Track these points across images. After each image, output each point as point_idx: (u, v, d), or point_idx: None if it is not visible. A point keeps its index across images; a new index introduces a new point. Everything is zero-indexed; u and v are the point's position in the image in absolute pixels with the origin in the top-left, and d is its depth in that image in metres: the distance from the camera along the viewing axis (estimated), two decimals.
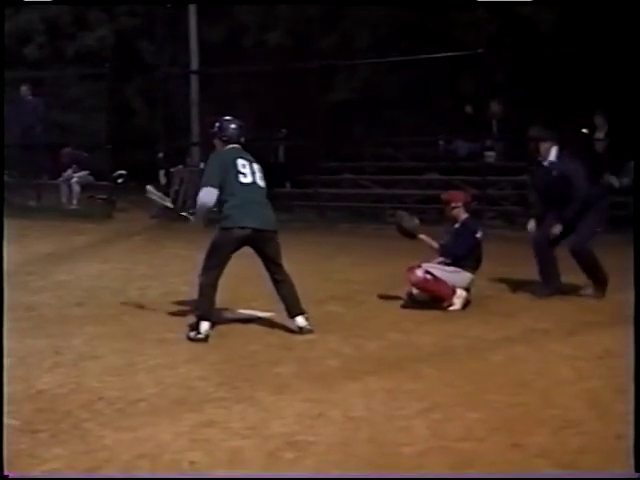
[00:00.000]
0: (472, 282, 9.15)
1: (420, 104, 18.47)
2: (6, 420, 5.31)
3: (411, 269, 9.03)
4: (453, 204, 9.31)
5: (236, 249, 7.83)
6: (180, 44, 19.84)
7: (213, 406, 5.77)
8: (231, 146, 8.06)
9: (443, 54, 16.80)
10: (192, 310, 8.37)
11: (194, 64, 19.95)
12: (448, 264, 9.06)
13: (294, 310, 7.95)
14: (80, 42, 22.42)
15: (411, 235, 9.42)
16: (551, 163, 9.66)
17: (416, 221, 9.58)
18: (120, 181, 18.30)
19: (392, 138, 19.39)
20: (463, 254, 9.08)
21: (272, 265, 7.95)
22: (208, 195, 7.81)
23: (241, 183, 7.86)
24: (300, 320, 7.92)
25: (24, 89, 19.63)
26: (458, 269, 9.05)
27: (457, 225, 9.27)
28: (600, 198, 9.76)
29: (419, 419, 5.52)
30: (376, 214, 17.39)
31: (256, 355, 7.21)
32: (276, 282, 7.98)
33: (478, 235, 9.21)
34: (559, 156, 9.68)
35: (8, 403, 5.65)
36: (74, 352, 7.16)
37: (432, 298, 9.02)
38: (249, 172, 7.90)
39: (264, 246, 7.89)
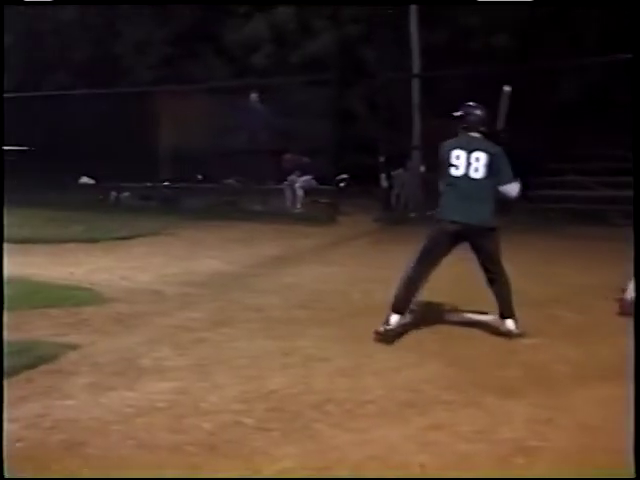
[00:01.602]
0: None
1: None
2: (240, 418, 5.52)
3: (621, 307, 8.68)
4: None
5: (448, 244, 7.72)
6: (402, 48, 19.91)
7: (440, 409, 5.77)
8: (462, 135, 7.90)
9: None
10: (419, 313, 8.43)
11: (415, 68, 19.99)
12: None
13: (505, 312, 7.82)
14: (305, 50, 22.88)
15: None
16: None
17: None
18: (342, 185, 18.62)
19: (620, 138, 18.82)
20: None
21: (487, 263, 7.80)
22: None
23: (452, 175, 7.75)
24: (509, 323, 7.79)
25: (253, 97, 20.26)
26: None
27: None
28: None
29: None
30: (601, 216, 16.92)
31: (481, 359, 7.16)
32: (489, 281, 7.86)
33: None
34: None
35: (242, 402, 5.87)
36: (302, 353, 7.28)
37: None
38: (463, 163, 7.73)
39: (477, 242, 7.73)
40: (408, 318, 7.91)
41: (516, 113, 17.90)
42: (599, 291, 9.59)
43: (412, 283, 7.79)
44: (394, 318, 7.67)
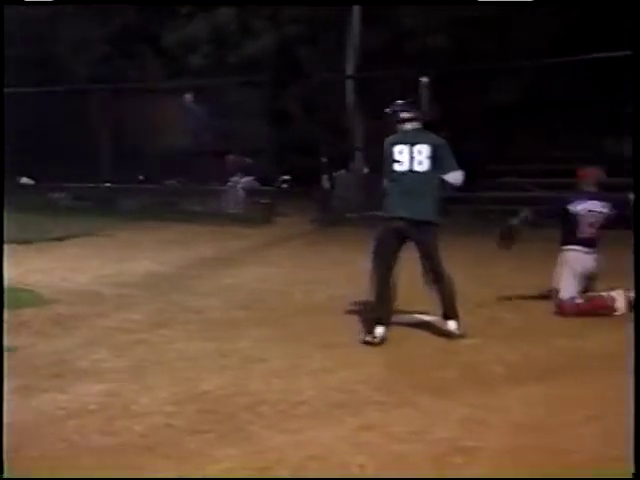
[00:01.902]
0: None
1: (585, 105, 18.06)
2: (170, 420, 5.46)
3: (558, 307, 8.83)
4: (585, 180, 9.24)
5: (398, 241, 7.70)
6: (342, 49, 19.95)
7: (372, 410, 5.76)
8: (403, 130, 7.88)
9: (607, 54, 16.39)
10: (358, 313, 8.42)
11: (351, 69, 20.00)
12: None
13: (449, 313, 7.82)
14: (244, 51, 22.81)
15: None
16: None
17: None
18: (284, 186, 18.60)
19: (556, 140, 19.01)
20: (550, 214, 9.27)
21: (426, 260, 7.77)
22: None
23: (396, 171, 7.72)
24: (452, 324, 7.80)
25: (188, 97, 20.16)
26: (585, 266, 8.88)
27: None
28: None
29: (587, 427, 5.38)
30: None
31: (417, 359, 7.18)
32: (433, 281, 7.83)
33: (571, 207, 8.99)
34: None
35: (172, 404, 5.82)
36: (240, 355, 7.26)
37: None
38: (407, 158, 7.69)
39: (419, 237, 7.69)
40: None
41: (454, 115, 18.07)
42: (534, 292, 9.65)
43: (381, 293, 7.74)
44: (379, 330, 7.62)
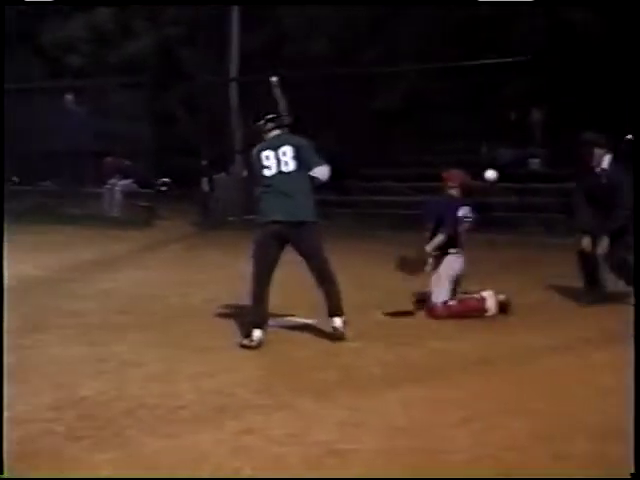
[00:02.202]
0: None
1: (464, 111, 18.42)
2: (50, 426, 5.38)
3: (430, 310, 9.03)
4: (450, 183, 9.32)
5: (277, 246, 7.74)
6: (222, 52, 19.91)
7: (253, 413, 5.77)
8: (268, 137, 8.00)
9: (487, 61, 16.76)
10: (234, 316, 8.42)
11: (233, 72, 20.01)
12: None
13: (334, 310, 7.88)
14: (124, 51, 22.59)
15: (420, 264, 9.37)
16: (603, 170, 9.48)
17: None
18: (163, 189, 18.47)
19: (435, 145, 19.33)
20: (432, 220, 9.23)
21: (312, 260, 7.85)
22: None
23: (266, 176, 7.82)
24: (337, 321, 7.86)
25: (68, 98, 19.83)
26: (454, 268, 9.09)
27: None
28: None
29: (461, 428, 5.49)
30: (417, 221, 17.30)
31: (297, 362, 7.22)
32: (318, 281, 7.90)
33: (460, 213, 9.19)
34: (612, 164, 9.50)
35: (52, 409, 5.73)
36: (117, 359, 7.18)
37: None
38: (273, 162, 7.80)
39: (300, 238, 7.76)
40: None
41: (337, 120, 18.24)
42: (409, 295, 9.80)
43: (258, 296, 7.75)
44: (256, 333, 7.62)
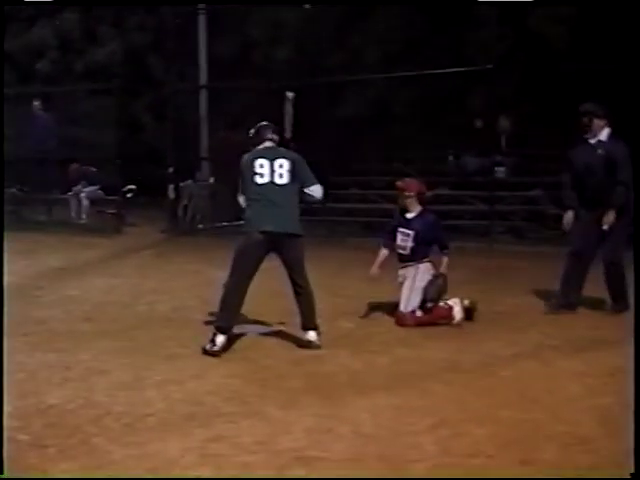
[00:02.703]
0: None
1: (429, 119, 18.49)
2: (15, 435, 5.34)
3: (399, 318, 9.04)
4: (407, 193, 9.27)
5: (260, 255, 7.71)
6: (189, 59, 19.88)
7: (222, 421, 5.76)
8: (261, 147, 8.01)
9: (453, 69, 16.84)
10: (203, 323, 8.42)
11: (202, 79, 20.00)
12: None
13: (309, 324, 7.91)
14: (90, 57, 22.50)
15: None
16: (600, 142, 9.28)
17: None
18: (129, 195, 18.39)
19: (401, 153, 19.37)
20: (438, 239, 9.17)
21: (294, 273, 7.88)
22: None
23: (257, 184, 7.79)
24: (312, 335, 7.89)
25: (36, 105, 19.70)
26: (423, 279, 9.06)
27: (410, 215, 9.25)
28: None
29: (428, 435, 5.50)
30: (384, 229, 17.35)
31: (265, 370, 7.20)
32: (296, 293, 7.92)
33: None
34: (610, 138, 9.31)
35: (18, 418, 5.69)
36: (83, 367, 7.15)
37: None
38: (267, 171, 7.78)
39: (285, 250, 7.81)
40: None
41: (301, 126, 18.25)
42: (380, 303, 9.81)
43: (231, 303, 7.73)
44: (220, 339, 7.59)
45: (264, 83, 19.55)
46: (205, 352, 7.55)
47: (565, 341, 8.25)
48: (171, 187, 18.48)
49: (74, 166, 19.15)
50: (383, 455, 5.16)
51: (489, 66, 16.01)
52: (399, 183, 9.46)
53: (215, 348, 7.55)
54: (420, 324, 8.91)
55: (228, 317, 7.72)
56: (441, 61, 17.29)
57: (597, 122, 9.33)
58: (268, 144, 8.02)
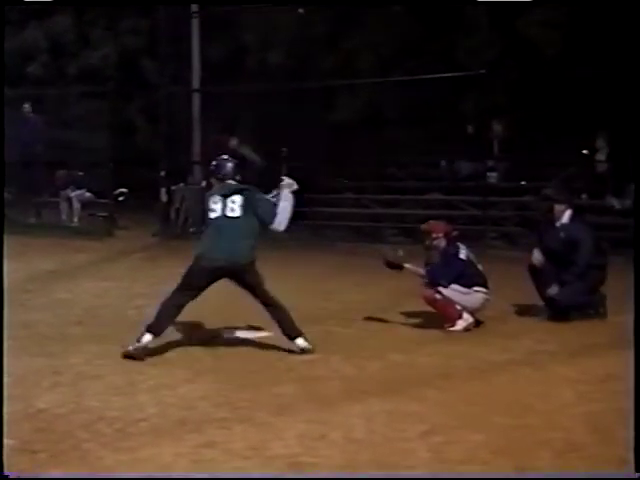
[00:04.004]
0: (486, 302, 9.11)
1: (422, 124, 18.47)
2: (4, 440, 5.29)
3: (426, 285, 9.07)
4: (434, 235, 9.27)
5: (207, 281, 7.82)
6: (183, 63, 19.85)
7: (214, 427, 5.73)
8: (220, 184, 8.17)
9: (445, 74, 16.84)
10: (194, 328, 8.48)
11: (196, 83, 19.97)
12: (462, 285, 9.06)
13: (292, 333, 7.92)
14: (83, 60, 22.44)
15: (397, 267, 9.41)
16: (562, 225, 9.61)
17: (400, 253, 9.57)
18: (121, 199, 18.34)
19: (394, 158, 19.36)
20: (451, 279, 9.04)
21: (256, 295, 7.93)
22: None
23: (210, 218, 7.96)
24: (300, 342, 7.88)
25: (26, 107, 19.62)
26: (470, 290, 9.03)
27: (437, 254, 9.25)
28: (601, 263, 9.64)
29: (421, 441, 5.48)
30: (376, 234, 17.37)
31: (256, 375, 7.18)
32: (267, 308, 7.96)
33: (462, 256, 9.18)
34: (572, 220, 9.65)
35: (6, 423, 5.63)
36: (73, 371, 7.13)
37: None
38: (220, 207, 7.93)
39: (240, 278, 7.90)
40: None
41: (296, 132, 18.23)
42: (371, 307, 9.80)
43: (170, 311, 7.81)
44: (147, 337, 7.60)
45: (257, 87, 19.53)
46: (126, 354, 7.50)
47: (558, 347, 8.26)
48: (163, 190, 18.44)
49: (60, 172, 19.11)
50: (375, 461, 5.14)
51: (481, 71, 16.01)
52: (424, 227, 9.48)
53: (138, 345, 7.52)
54: (430, 304, 9.01)
55: (163, 324, 7.75)
56: (434, 66, 17.30)
57: (558, 207, 9.70)
58: (227, 182, 8.14)
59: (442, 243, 9.22)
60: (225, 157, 8.40)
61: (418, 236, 9.73)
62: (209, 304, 8.29)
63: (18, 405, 6.10)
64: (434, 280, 9.06)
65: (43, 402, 6.22)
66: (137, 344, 7.55)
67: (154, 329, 7.65)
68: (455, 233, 9.50)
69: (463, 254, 9.17)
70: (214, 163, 8.34)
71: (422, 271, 9.27)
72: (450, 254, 9.15)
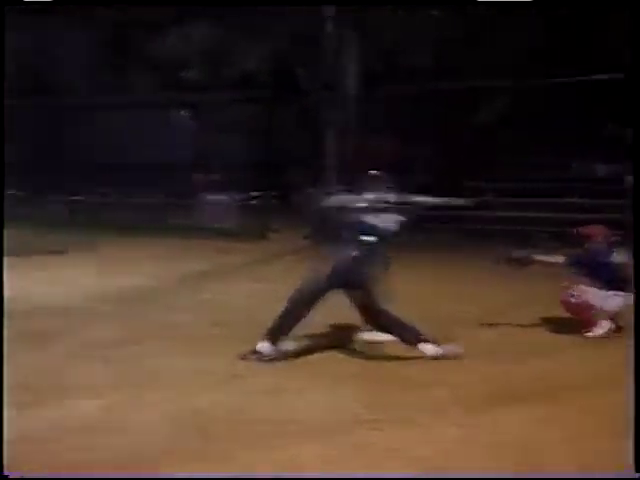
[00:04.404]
0: (626, 307, 8.91)
1: (556, 126, 18.23)
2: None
3: (565, 287, 9.07)
4: (595, 239, 9.25)
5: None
6: (334, 68, 19.96)
7: (363, 428, 5.82)
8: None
9: (583, 77, 16.61)
10: (338, 330, 8.58)
11: (351, 87, 20.06)
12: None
13: (414, 340, 7.85)
14: (236, 67, 22.78)
15: (526, 262, 9.37)
16: None
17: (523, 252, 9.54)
18: (273, 202, 18.63)
19: (528, 159, 19.13)
20: (602, 283, 9.01)
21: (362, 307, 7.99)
22: None
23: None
24: (427, 348, 7.80)
25: (183, 113, 20.17)
26: (609, 293, 8.98)
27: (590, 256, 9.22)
28: None
29: (568, 446, 5.51)
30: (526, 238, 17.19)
31: (402, 379, 7.21)
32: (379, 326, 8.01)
33: (614, 260, 9.11)
34: None
35: (160, 423, 5.89)
36: (225, 372, 7.26)
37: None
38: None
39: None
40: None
41: (439, 134, 18.15)
42: (515, 311, 9.87)
43: (298, 309, 7.93)
44: (264, 346, 7.69)
45: (407, 89, 19.53)
46: (242, 357, 7.61)
47: None
48: (308, 194, 18.66)
49: (198, 176, 19.56)
50: (521, 463, 5.21)
51: (619, 74, 15.68)
52: (584, 231, 9.45)
53: (259, 356, 7.62)
54: (567, 308, 9.06)
55: (285, 326, 7.84)
56: (568, 68, 17.07)
57: None
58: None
59: (601, 247, 9.21)
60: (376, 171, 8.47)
61: (570, 239, 9.67)
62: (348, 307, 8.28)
63: (178, 403, 6.35)
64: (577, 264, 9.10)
65: (195, 403, 6.38)
66: (256, 354, 7.64)
67: (271, 334, 7.73)
68: (614, 238, 9.43)
69: (616, 258, 9.14)
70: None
71: (555, 259, 9.29)
72: (604, 258, 9.14)
